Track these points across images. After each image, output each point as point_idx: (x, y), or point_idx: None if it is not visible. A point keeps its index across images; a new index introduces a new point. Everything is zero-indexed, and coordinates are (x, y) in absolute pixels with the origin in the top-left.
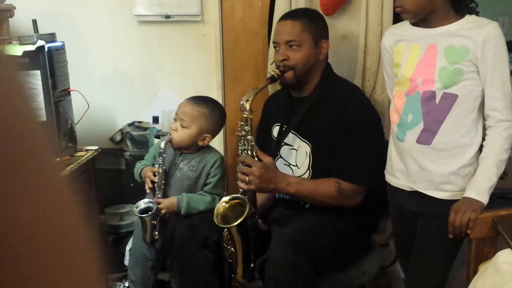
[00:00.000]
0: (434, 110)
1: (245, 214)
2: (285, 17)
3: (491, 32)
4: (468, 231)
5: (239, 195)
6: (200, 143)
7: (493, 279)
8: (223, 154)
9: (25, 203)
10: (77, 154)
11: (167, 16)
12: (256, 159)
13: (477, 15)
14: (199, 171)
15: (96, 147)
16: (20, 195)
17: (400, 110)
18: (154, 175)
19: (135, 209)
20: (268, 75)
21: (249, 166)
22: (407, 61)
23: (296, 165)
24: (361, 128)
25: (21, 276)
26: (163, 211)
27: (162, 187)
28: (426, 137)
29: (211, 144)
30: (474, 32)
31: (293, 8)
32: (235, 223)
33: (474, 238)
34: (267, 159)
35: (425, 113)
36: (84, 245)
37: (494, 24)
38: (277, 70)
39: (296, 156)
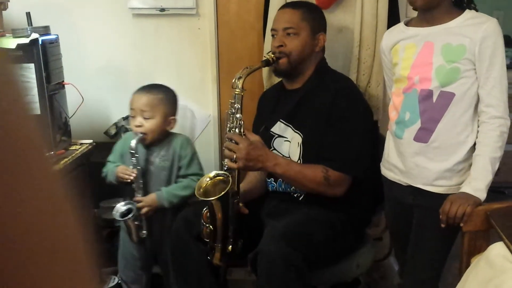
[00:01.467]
0: (431, 108)
1: (227, 189)
2: (286, 5)
3: (490, 29)
4: (461, 224)
5: (223, 172)
6: (168, 128)
7: (485, 272)
8: (218, 150)
9: (17, 199)
10: (71, 148)
11: (162, 9)
12: (244, 137)
13: (476, 10)
14: (170, 158)
15: (90, 141)
16: (12, 191)
17: (398, 108)
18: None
19: (115, 213)
20: (263, 58)
21: (237, 143)
22: (403, 60)
23: (289, 157)
24: (350, 118)
25: (12, 271)
26: (145, 210)
27: (141, 186)
28: (423, 136)
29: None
30: (473, 29)
31: (289, 0)
32: (216, 197)
33: (467, 231)
34: (254, 137)
35: (422, 112)
36: (77, 241)
37: (493, 21)
38: (272, 55)
39: (290, 148)
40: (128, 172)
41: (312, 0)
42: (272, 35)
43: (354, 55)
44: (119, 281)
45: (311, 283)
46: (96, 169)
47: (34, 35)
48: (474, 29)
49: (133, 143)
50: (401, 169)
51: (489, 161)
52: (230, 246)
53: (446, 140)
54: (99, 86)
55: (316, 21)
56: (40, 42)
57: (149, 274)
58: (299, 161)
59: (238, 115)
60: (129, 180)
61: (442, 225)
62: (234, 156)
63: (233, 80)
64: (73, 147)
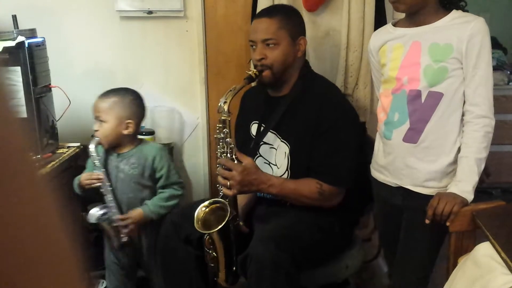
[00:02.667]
0: (420, 109)
1: (226, 219)
2: (261, 14)
3: (477, 27)
4: (448, 223)
5: (219, 199)
6: (126, 132)
7: (472, 272)
8: (206, 152)
9: (1, 204)
10: (58, 151)
11: (150, 12)
12: (236, 161)
13: (464, 11)
14: (141, 166)
15: (78, 144)
16: None
17: (387, 109)
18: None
19: (90, 218)
20: (246, 75)
21: (229, 169)
22: (391, 60)
23: (276, 164)
24: (339, 129)
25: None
26: (132, 226)
27: (110, 189)
28: (412, 136)
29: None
30: (460, 28)
31: (276, 3)
32: (216, 229)
33: (453, 232)
34: (246, 160)
35: (411, 112)
36: (63, 245)
37: (480, 20)
38: (254, 70)
39: (276, 155)
40: (94, 176)
41: (299, 3)
42: (251, 46)
43: (341, 57)
44: (107, 285)
45: (300, 285)
46: (83, 172)
47: (21, 38)
48: (461, 27)
49: (91, 146)
50: (390, 170)
51: (475, 162)
52: (235, 268)
53: (435, 140)
54: (86, 89)
55: (294, 27)
56: (26, 45)
57: (133, 281)
58: (287, 172)
59: (228, 140)
60: (96, 185)
61: (427, 221)
62: (228, 183)
63: (219, 104)
64: (60, 150)
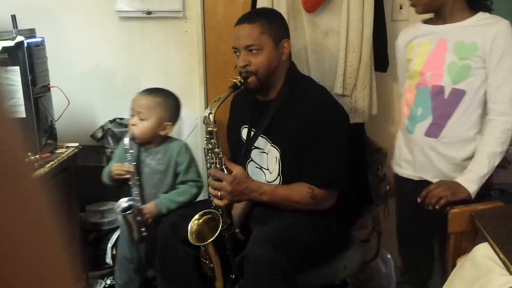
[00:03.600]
0: (443, 104)
1: (219, 230)
2: (242, 20)
3: (501, 29)
4: (436, 207)
5: (211, 210)
6: (162, 133)
7: (471, 273)
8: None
9: None
10: (57, 151)
11: (149, 12)
12: (225, 171)
13: (490, 13)
14: (166, 162)
15: (76, 144)
16: None
17: (411, 103)
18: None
19: (116, 208)
20: (231, 83)
21: (220, 180)
22: (417, 56)
23: (268, 169)
24: (329, 132)
25: None
26: (147, 216)
27: (137, 183)
28: (434, 131)
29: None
30: (484, 29)
31: (275, 4)
32: (209, 240)
33: (452, 233)
34: (236, 169)
35: (434, 107)
36: (58, 248)
37: (505, 22)
38: (239, 77)
39: (267, 160)
40: (125, 168)
41: (298, 4)
42: (234, 52)
43: (340, 58)
44: (106, 285)
45: (298, 286)
46: (82, 172)
47: (20, 38)
48: (487, 28)
49: (126, 140)
50: (412, 164)
51: (487, 155)
52: (233, 276)
53: (455, 136)
54: (85, 89)
55: (277, 30)
56: (25, 45)
57: (142, 278)
58: (279, 177)
59: (216, 150)
60: (125, 177)
61: (418, 200)
62: (219, 194)
63: (205, 115)
64: (59, 150)
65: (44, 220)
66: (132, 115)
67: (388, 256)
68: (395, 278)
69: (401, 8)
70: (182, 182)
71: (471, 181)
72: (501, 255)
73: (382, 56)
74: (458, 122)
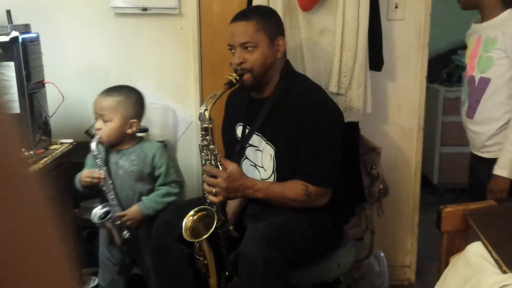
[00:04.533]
0: (474, 91)
1: (213, 226)
2: (237, 18)
3: None
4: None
5: (206, 207)
6: (129, 131)
7: (463, 271)
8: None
9: None
10: (51, 147)
11: (144, 9)
12: (220, 168)
13: None
14: (141, 163)
15: (71, 141)
16: None
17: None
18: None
19: (93, 217)
20: (226, 80)
21: (215, 177)
22: (467, 51)
23: (262, 167)
24: (322, 130)
25: None
26: (129, 222)
27: (112, 187)
28: (470, 113)
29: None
30: (506, 24)
31: (270, 2)
32: (204, 237)
33: (445, 231)
34: (231, 166)
35: (469, 94)
36: (54, 243)
37: None
38: (234, 74)
39: (262, 158)
40: (96, 175)
41: (294, 2)
42: (230, 49)
43: (335, 56)
44: (99, 281)
45: (292, 284)
46: (77, 169)
47: (14, 33)
48: (508, 23)
49: (93, 145)
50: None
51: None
52: (227, 273)
53: (485, 117)
54: (80, 85)
55: (272, 28)
56: (20, 40)
57: (126, 279)
58: (273, 174)
59: (211, 146)
60: (98, 182)
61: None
62: (214, 190)
63: (200, 112)
64: (53, 147)
65: (41, 215)
66: (96, 119)
67: (382, 254)
68: (388, 276)
69: (396, 7)
70: (162, 185)
71: (503, 167)
72: (494, 254)
73: (377, 55)
74: (486, 105)
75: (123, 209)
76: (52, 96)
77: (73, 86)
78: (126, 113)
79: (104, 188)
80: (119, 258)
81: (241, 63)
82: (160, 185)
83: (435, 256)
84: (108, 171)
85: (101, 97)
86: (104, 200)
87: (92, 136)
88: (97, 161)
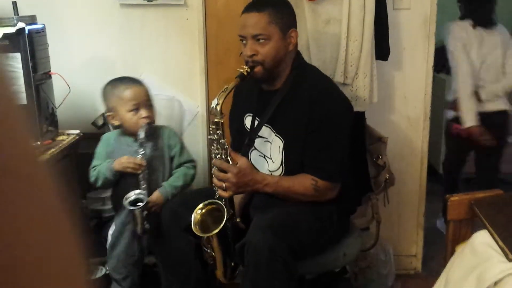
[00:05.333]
0: None
1: (224, 221)
2: (250, 8)
3: None
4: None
5: (215, 200)
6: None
7: (470, 260)
8: (206, 141)
9: (2, 192)
10: (58, 138)
11: (150, 0)
12: (230, 162)
13: None
14: (160, 147)
15: (77, 131)
16: None
17: None
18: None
19: (125, 201)
20: (237, 73)
21: (225, 171)
22: None
23: (271, 158)
24: (333, 124)
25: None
26: (154, 209)
27: (147, 177)
28: None
29: None
30: None
31: (251, 2)
32: (214, 231)
33: (451, 220)
34: (241, 161)
35: None
36: (66, 230)
37: None
38: (246, 67)
39: (271, 149)
40: (137, 162)
41: None
42: (241, 40)
43: (341, 46)
44: (107, 271)
45: (298, 273)
46: (83, 159)
47: (21, 25)
48: None
49: (141, 134)
50: None
51: None
52: (233, 263)
53: None
54: (86, 76)
55: (284, 20)
56: (26, 32)
57: (140, 270)
58: (281, 167)
59: (222, 141)
60: (138, 170)
61: None
62: (224, 185)
63: (212, 106)
64: (60, 138)
65: (53, 205)
66: (136, 109)
67: (387, 244)
68: (394, 265)
69: None
70: (178, 165)
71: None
72: (500, 243)
73: (383, 44)
74: None
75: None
76: (58, 87)
77: (80, 77)
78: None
79: (140, 177)
80: (138, 249)
81: (252, 55)
82: (176, 166)
83: (442, 245)
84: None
85: (136, 86)
86: (136, 188)
87: (99, 127)
88: (141, 151)
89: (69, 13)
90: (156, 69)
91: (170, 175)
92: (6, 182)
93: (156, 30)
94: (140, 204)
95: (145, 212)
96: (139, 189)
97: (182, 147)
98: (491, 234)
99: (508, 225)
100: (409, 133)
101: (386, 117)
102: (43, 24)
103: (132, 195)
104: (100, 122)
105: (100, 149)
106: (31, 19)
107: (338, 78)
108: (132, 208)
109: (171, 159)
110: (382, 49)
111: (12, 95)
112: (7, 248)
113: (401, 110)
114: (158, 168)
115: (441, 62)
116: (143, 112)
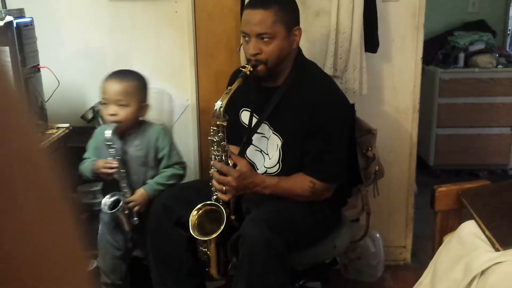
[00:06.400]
0: None
1: (223, 225)
2: (255, 4)
3: None
4: None
5: (213, 202)
6: (141, 114)
7: (457, 249)
8: (196, 134)
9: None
10: (48, 132)
11: None
12: (230, 164)
13: None
14: (145, 147)
15: (67, 125)
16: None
17: None
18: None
19: (103, 207)
20: (240, 73)
21: (225, 175)
22: None
23: (268, 154)
24: (333, 126)
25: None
26: (136, 208)
27: (124, 175)
28: None
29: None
30: None
31: None
32: (214, 235)
33: (439, 211)
34: (241, 164)
35: None
36: (68, 220)
37: None
38: (248, 66)
39: (268, 145)
40: (109, 165)
41: None
42: (243, 37)
43: (331, 39)
44: (98, 265)
45: (290, 265)
46: (73, 153)
47: (9, 18)
48: None
49: (108, 133)
50: None
51: None
52: (226, 259)
53: None
54: (76, 70)
55: (290, 17)
56: (15, 25)
57: (126, 263)
58: (278, 165)
59: (223, 143)
60: (111, 172)
61: None
62: (224, 188)
63: (215, 108)
64: (50, 131)
65: (56, 195)
66: (105, 104)
67: (377, 235)
68: (384, 256)
69: None
70: (167, 166)
71: None
72: (487, 232)
73: (372, 37)
74: None
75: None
76: (47, 81)
77: (69, 70)
78: (140, 97)
79: (116, 177)
80: (122, 243)
81: (256, 54)
82: (164, 168)
83: (431, 236)
84: (121, 160)
85: (113, 81)
86: (115, 189)
87: (88, 121)
88: (111, 151)
89: (58, 6)
90: (146, 63)
91: (149, 172)
92: (12, 171)
93: (146, 24)
94: (120, 203)
95: (126, 212)
96: (118, 189)
97: (172, 149)
98: (478, 224)
99: (494, 215)
100: (399, 125)
101: (376, 109)
102: (31, 18)
103: (108, 200)
104: (90, 115)
105: (91, 143)
106: (19, 13)
107: (327, 71)
108: (111, 212)
109: (159, 160)
110: (371, 41)
111: (10, 86)
112: (12, 238)
113: (391, 102)
114: (142, 168)
115: (431, 55)
116: (110, 109)
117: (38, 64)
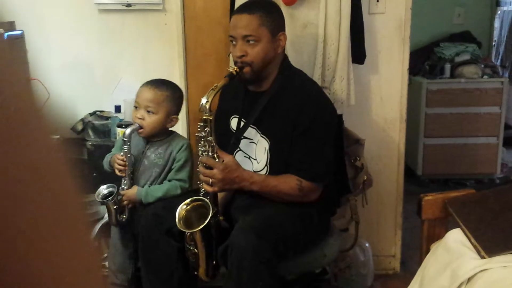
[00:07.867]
0: None
1: (209, 218)
2: (241, 10)
3: None
4: None
5: (201, 197)
6: (169, 126)
7: (444, 257)
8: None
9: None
10: None
11: (128, 5)
12: (217, 159)
13: None
14: (166, 158)
15: (57, 136)
16: (17, 157)
17: None
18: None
19: (97, 196)
20: (227, 72)
21: (211, 168)
22: None
23: (256, 159)
24: (318, 126)
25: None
26: (125, 202)
27: (129, 173)
28: None
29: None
30: None
31: (243, 3)
32: (198, 228)
33: (426, 219)
34: (227, 158)
35: None
36: (79, 208)
37: None
38: (235, 67)
39: (256, 150)
40: (118, 160)
41: None
42: (231, 41)
43: (319, 50)
44: (108, 265)
45: (279, 274)
46: None
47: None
48: None
49: (127, 130)
50: None
51: None
52: (215, 261)
53: None
54: (65, 82)
55: (274, 23)
56: (5, 37)
57: (134, 268)
58: (266, 167)
59: (209, 138)
60: (120, 167)
61: None
62: (210, 181)
63: (201, 103)
64: None
65: (68, 188)
66: (136, 107)
67: (366, 244)
68: (373, 265)
69: (377, 1)
70: (173, 178)
71: None
72: (472, 240)
73: (359, 48)
74: None
75: None
76: (37, 93)
77: (59, 82)
78: (170, 108)
79: (120, 174)
80: (132, 242)
81: (242, 56)
82: (170, 179)
83: (417, 243)
84: (134, 161)
85: (148, 88)
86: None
87: (78, 132)
88: (125, 147)
89: (48, 18)
90: (136, 74)
91: (160, 183)
92: (20, 151)
93: (135, 35)
94: (111, 197)
95: (115, 207)
96: (122, 184)
97: (185, 165)
98: (464, 232)
99: (480, 223)
100: (386, 135)
101: (363, 119)
102: (22, 30)
103: (103, 189)
104: (80, 127)
105: (119, 139)
106: (10, 25)
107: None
108: (102, 201)
109: (169, 170)
110: (358, 53)
111: (37, 99)
112: (23, 235)
113: (378, 112)
114: (156, 176)
115: (418, 65)
116: (139, 113)
117: (29, 76)
